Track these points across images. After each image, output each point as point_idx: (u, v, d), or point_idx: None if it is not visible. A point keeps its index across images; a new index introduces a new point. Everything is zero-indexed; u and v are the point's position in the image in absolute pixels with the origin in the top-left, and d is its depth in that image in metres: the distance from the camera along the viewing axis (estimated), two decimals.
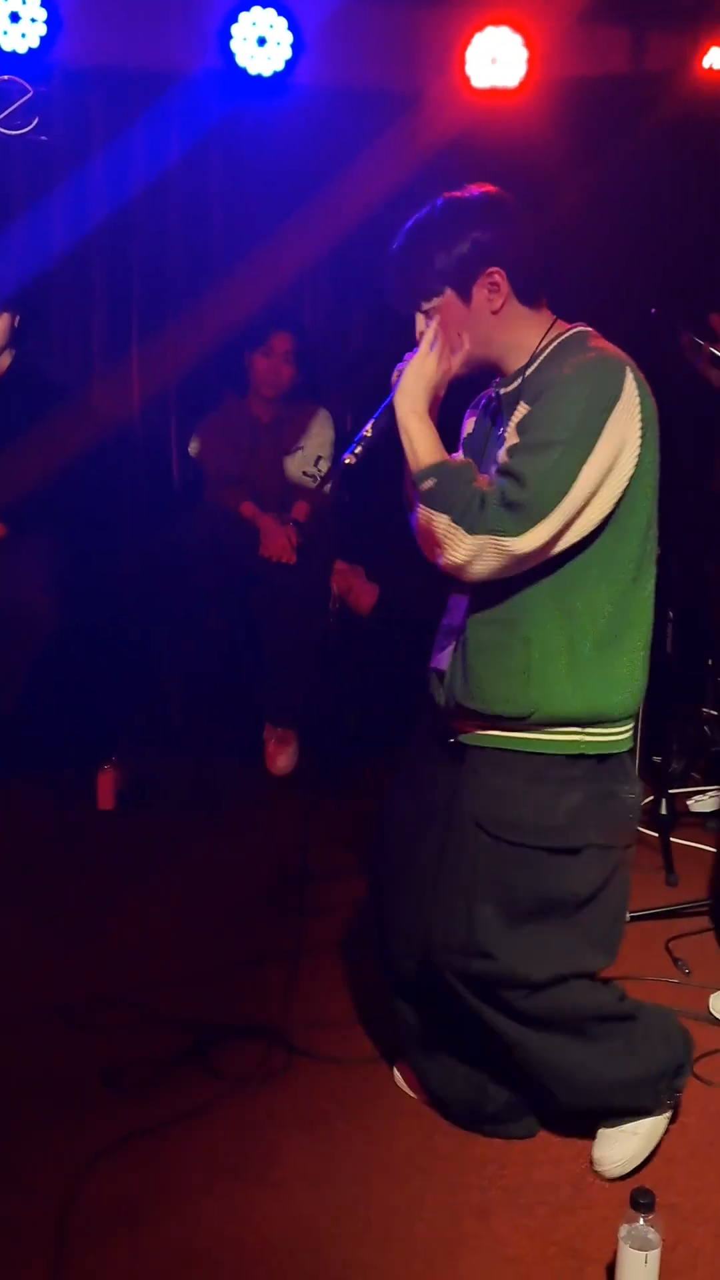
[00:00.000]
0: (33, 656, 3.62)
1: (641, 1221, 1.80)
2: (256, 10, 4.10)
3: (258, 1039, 2.54)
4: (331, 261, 4.46)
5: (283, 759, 4.13)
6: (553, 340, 1.92)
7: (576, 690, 1.89)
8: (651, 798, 3.74)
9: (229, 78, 4.16)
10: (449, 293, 1.89)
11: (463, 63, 4.21)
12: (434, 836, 2.06)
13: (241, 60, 4.13)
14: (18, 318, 3.72)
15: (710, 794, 3.86)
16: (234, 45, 4.11)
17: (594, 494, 1.81)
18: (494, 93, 4.25)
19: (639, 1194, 1.81)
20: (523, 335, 1.93)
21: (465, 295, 1.89)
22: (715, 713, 4.04)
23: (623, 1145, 2.11)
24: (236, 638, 4.15)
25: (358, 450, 1.90)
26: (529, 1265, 1.93)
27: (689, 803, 3.85)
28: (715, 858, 3.12)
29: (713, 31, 4.09)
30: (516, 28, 4.18)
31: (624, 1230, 1.81)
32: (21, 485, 3.66)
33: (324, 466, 4.20)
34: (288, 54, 4.14)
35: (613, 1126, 2.13)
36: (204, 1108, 2.32)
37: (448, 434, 2.10)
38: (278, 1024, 2.59)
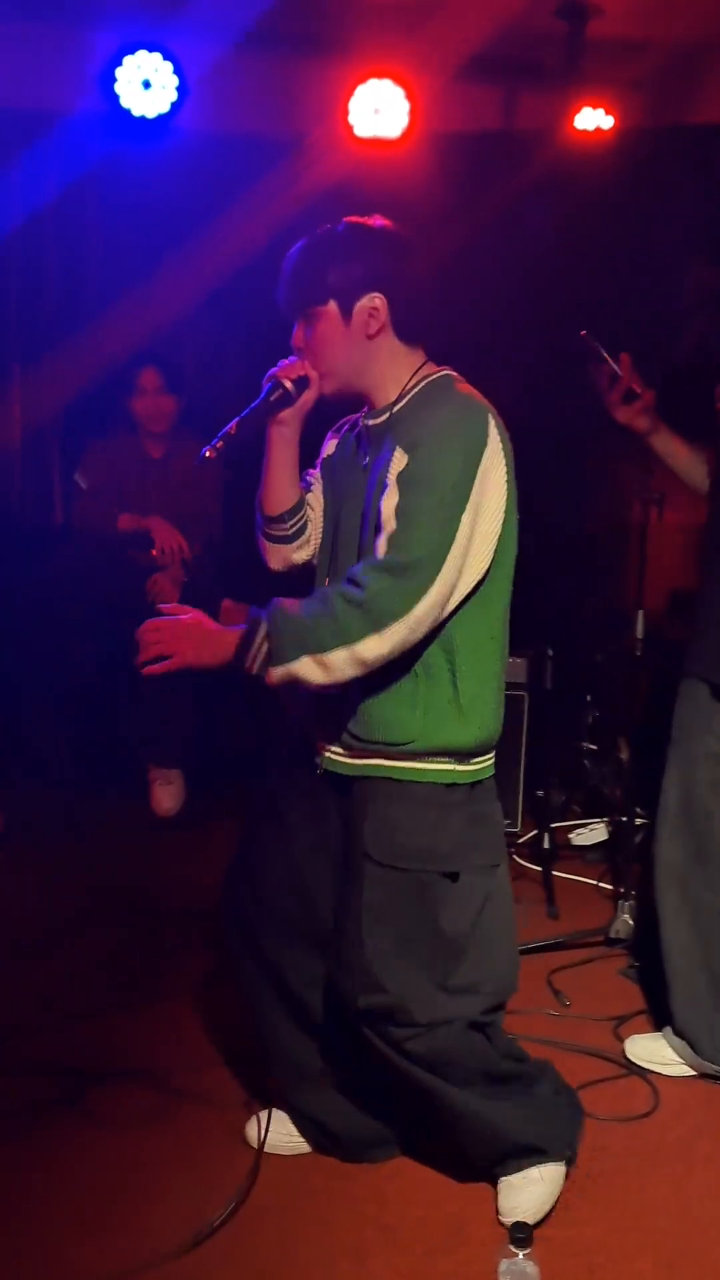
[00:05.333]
0: None
1: (520, 1256, 1.80)
2: (142, 54, 4.14)
3: (133, 1082, 2.48)
4: (213, 300, 4.49)
5: (168, 800, 4.08)
6: (421, 380, 1.98)
7: (460, 723, 1.94)
8: (534, 832, 3.80)
9: (112, 119, 4.18)
10: (332, 305, 1.94)
11: (346, 112, 4.30)
12: (319, 870, 2.08)
13: (126, 102, 4.15)
14: None
15: (591, 827, 3.93)
16: (118, 87, 4.14)
17: (472, 538, 1.87)
18: (376, 142, 4.35)
19: (516, 1228, 1.81)
20: (394, 369, 1.98)
21: (347, 312, 1.94)
22: (593, 747, 4.13)
23: (529, 1192, 2.10)
24: (115, 676, 4.09)
25: (219, 445, 1.94)
26: None
27: (570, 836, 3.92)
28: None
29: (583, 93, 4.25)
30: (398, 81, 4.30)
31: (503, 1265, 1.80)
32: None
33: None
34: (173, 97, 4.18)
35: (514, 1173, 2.12)
36: (77, 1154, 2.26)
37: (311, 454, 2.15)
38: (154, 1066, 2.53)
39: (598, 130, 4.36)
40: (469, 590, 1.91)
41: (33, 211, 4.23)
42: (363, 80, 4.29)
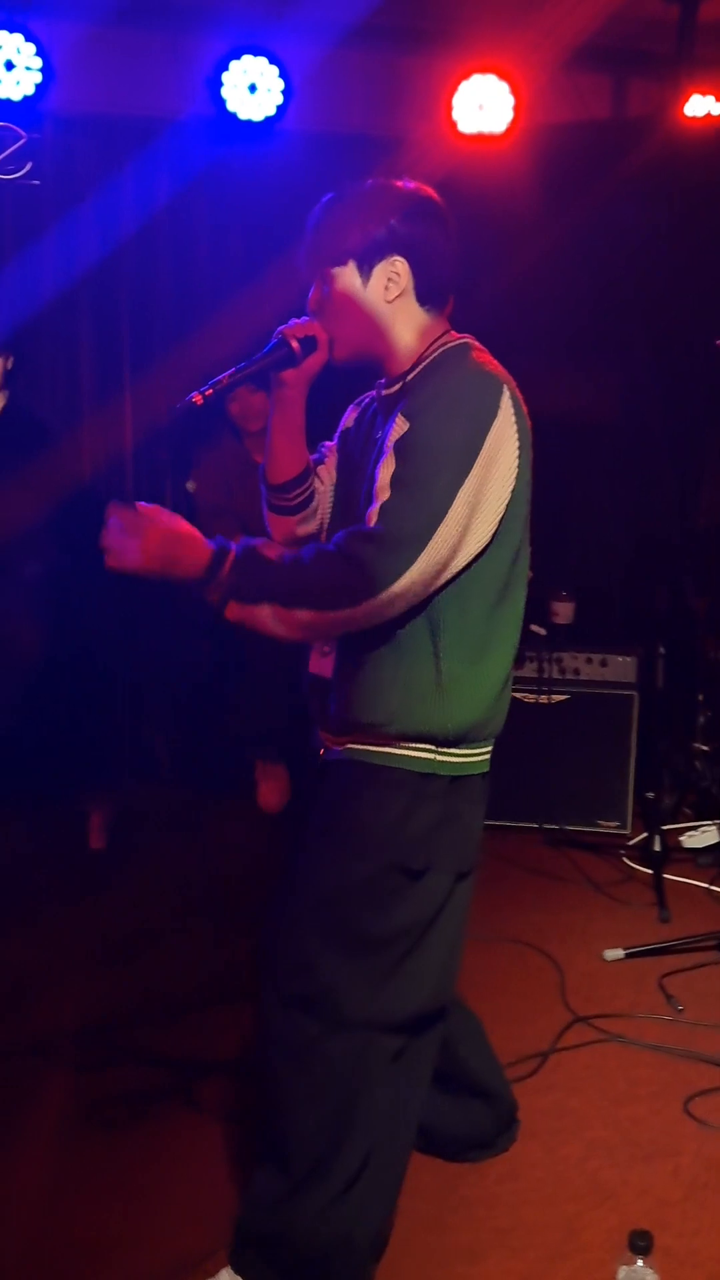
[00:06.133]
0: (18, 691, 3.62)
1: (640, 1264, 1.76)
2: (248, 58, 4.18)
3: (239, 1074, 2.50)
4: None
5: (274, 796, 4.12)
6: (439, 348, 1.86)
7: (440, 706, 1.80)
8: (645, 834, 3.74)
9: (219, 124, 4.23)
10: (351, 267, 1.84)
11: (450, 109, 4.28)
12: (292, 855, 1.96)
13: (232, 106, 4.19)
14: (11, 360, 3.76)
15: (703, 830, 3.85)
16: (225, 92, 4.18)
17: (473, 514, 1.74)
18: (480, 138, 4.32)
19: (637, 1236, 1.77)
20: (412, 336, 1.87)
21: (366, 274, 1.84)
22: (705, 748, 4.04)
23: None
24: (225, 674, 4.15)
25: (207, 393, 1.79)
26: None
27: (681, 838, 3.84)
28: None
29: (693, 79, 4.16)
30: (503, 75, 4.26)
31: (623, 1273, 1.77)
32: (10, 524, 3.68)
33: None
34: (278, 100, 4.21)
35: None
36: (187, 1144, 2.29)
37: (323, 424, 2.03)
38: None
39: (708, 117, 4.26)
40: (462, 568, 1.78)
41: (143, 218, 4.30)
42: (466, 76, 4.27)
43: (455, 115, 4.30)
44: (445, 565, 1.74)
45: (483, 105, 4.29)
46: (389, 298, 1.84)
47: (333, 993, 1.82)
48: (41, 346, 4.36)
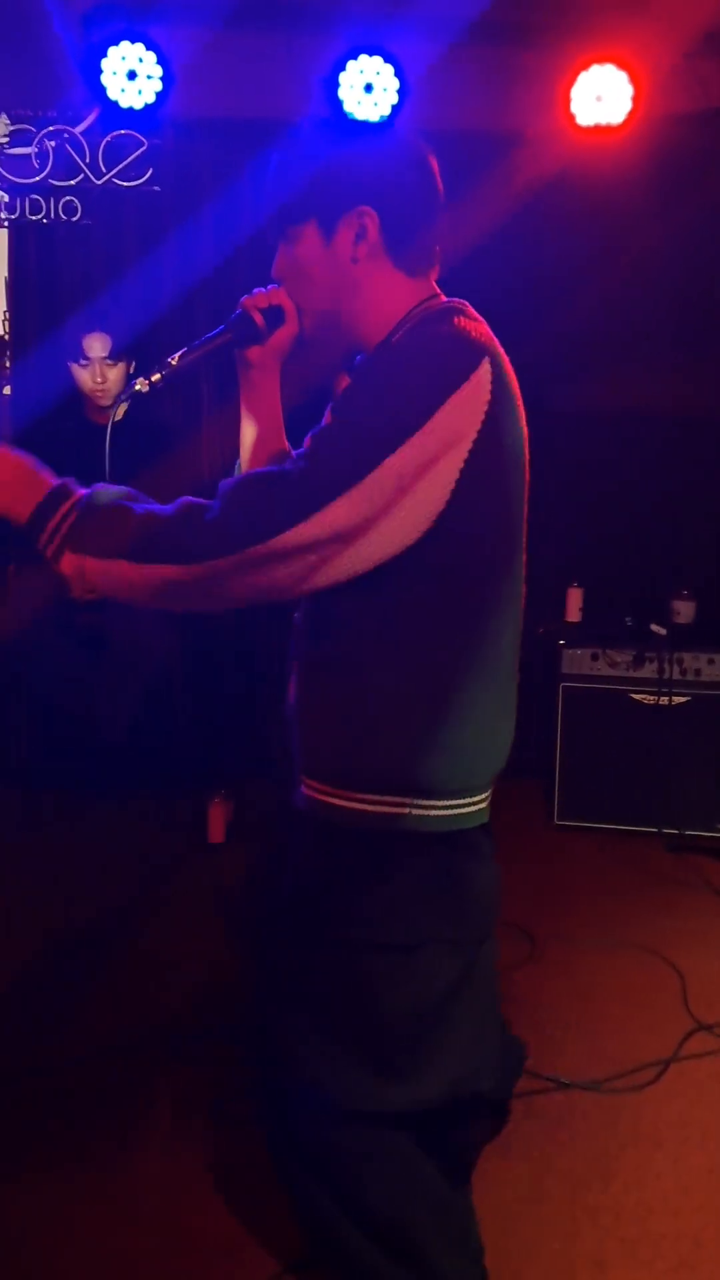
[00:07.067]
0: (143, 689, 3.70)
1: None
2: (364, 58, 4.19)
3: None
4: None
5: None
6: (421, 314, 1.53)
7: (409, 750, 1.48)
8: None
9: (334, 124, 4.25)
10: (312, 224, 1.54)
11: (567, 101, 4.22)
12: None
13: (349, 106, 4.21)
14: (133, 364, 3.85)
15: None
16: (341, 93, 4.20)
17: (403, 490, 1.38)
18: (598, 130, 4.25)
19: None
20: (388, 300, 1.54)
21: (328, 229, 1.53)
22: None
23: None
24: None
25: (154, 379, 1.57)
26: None
27: None
28: None
29: None
30: (622, 65, 4.18)
31: None
32: None
33: None
34: (394, 99, 4.20)
35: None
36: None
37: (306, 414, 1.75)
38: None
39: None
40: (380, 558, 1.41)
41: (260, 220, 4.34)
42: (585, 67, 4.20)
43: (573, 108, 4.24)
44: (350, 538, 1.38)
45: (600, 96, 4.22)
46: (356, 255, 1.53)
47: (318, 1083, 1.55)
48: (163, 351, 4.44)
